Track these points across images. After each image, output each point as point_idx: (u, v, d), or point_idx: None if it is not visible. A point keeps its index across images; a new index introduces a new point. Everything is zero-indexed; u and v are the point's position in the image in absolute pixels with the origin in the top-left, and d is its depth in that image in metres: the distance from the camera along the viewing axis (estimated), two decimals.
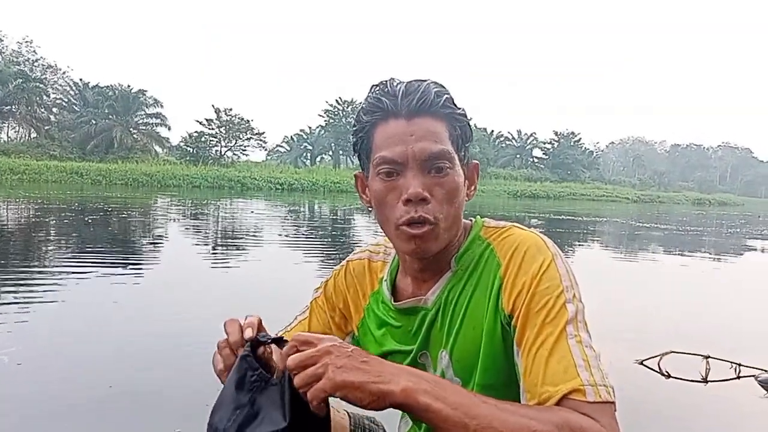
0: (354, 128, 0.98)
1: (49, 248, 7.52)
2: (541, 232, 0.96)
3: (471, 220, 1.04)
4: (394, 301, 1.04)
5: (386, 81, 0.95)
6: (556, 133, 64.10)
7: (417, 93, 0.90)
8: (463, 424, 0.72)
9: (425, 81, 0.93)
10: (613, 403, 0.79)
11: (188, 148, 42.89)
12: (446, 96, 0.93)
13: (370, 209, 0.99)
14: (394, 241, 0.96)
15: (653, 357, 3.37)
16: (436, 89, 0.92)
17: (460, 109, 0.95)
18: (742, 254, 11.72)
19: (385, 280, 1.06)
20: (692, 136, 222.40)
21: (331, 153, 61.67)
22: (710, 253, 11.15)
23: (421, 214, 0.89)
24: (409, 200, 0.89)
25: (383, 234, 1.04)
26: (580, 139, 64.52)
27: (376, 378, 0.73)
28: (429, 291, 0.99)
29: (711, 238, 15.27)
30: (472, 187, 1.01)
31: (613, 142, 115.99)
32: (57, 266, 5.91)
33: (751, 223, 23.51)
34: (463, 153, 0.96)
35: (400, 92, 0.91)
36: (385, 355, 1.03)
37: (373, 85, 0.96)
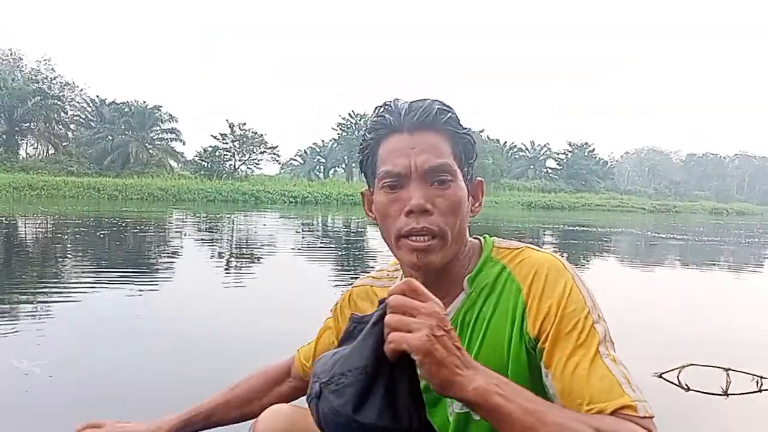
0: (360, 146, 1.01)
1: (70, 262, 7.60)
2: (555, 251, 0.96)
3: (480, 240, 1.04)
4: None
5: (390, 101, 0.98)
6: (569, 144, 63.92)
7: (419, 109, 0.93)
8: (533, 429, 0.74)
9: (429, 100, 0.96)
10: (653, 417, 0.82)
11: (203, 163, 43.33)
12: (450, 114, 0.95)
13: (376, 224, 1.00)
14: (397, 254, 0.97)
15: (672, 370, 3.31)
16: (439, 107, 0.94)
17: (463, 127, 0.97)
18: (761, 264, 11.53)
19: None
20: (708, 145, 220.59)
21: (344, 166, 61.96)
22: (729, 264, 10.98)
23: (424, 225, 0.90)
24: (411, 211, 0.91)
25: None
26: (594, 149, 64.27)
27: (458, 365, 0.74)
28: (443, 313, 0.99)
29: (729, 248, 15.05)
30: (477, 204, 1.01)
31: (627, 152, 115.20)
32: (78, 280, 5.97)
33: None
34: (466, 169, 0.97)
35: (404, 109, 0.94)
36: None
37: (377, 106, 0.98)
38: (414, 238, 0.91)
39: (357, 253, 10.13)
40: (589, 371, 0.84)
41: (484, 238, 1.04)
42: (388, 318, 0.74)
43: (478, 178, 1.03)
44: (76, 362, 3.26)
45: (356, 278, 1.27)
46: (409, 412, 0.76)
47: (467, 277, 0.98)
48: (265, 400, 1.26)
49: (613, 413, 0.80)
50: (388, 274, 1.14)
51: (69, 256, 8.39)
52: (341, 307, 1.19)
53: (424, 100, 0.96)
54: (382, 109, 0.97)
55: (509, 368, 0.92)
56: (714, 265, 10.64)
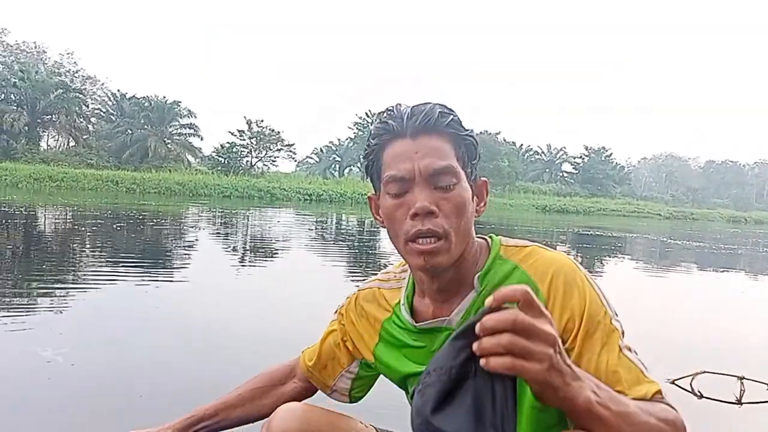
0: (365, 152, 1.03)
1: (91, 254, 7.73)
2: (562, 251, 0.99)
3: (487, 239, 1.06)
4: (415, 322, 1.05)
5: (393, 106, 1.00)
6: (586, 148, 63.32)
7: (422, 113, 0.95)
8: (620, 429, 0.79)
9: (430, 103, 0.98)
10: None
11: (220, 158, 43.64)
12: (452, 117, 0.96)
13: (384, 228, 1.02)
14: (406, 258, 0.99)
15: (686, 376, 3.31)
16: (440, 110, 0.96)
17: (465, 129, 0.99)
18: None
19: (403, 304, 1.08)
20: (728, 152, 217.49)
21: (359, 165, 61.98)
22: (745, 272, 10.86)
23: (429, 227, 0.92)
24: (416, 214, 0.92)
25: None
26: (611, 154, 63.61)
27: (569, 384, 0.74)
28: (453, 311, 1.00)
29: (747, 256, 14.86)
30: (482, 204, 1.03)
31: (645, 158, 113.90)
32: (99, 271, 6.08)
33: None
34: (470, 170, 0.99)
35: (406, 114, 0.96)
36: (405, 378, 1.06)
37: (380, 111, 1.01)
38: (420, 240, 0.93)
39: (369, 252, 10.17)
40: (617, 365, 0.91)
41: (491, 237, 1.06)
42: (506, 338, 0.68)
43: (483, 178, 1.03)
44: (97, 351, 3.34)
45: (366, 277, 1.28)
46: (498, 431, 0.70)
47: (478, 274, 0.99)
48: (267, 400, 1.27)
49: (651, 399, 0.89)
50: (395, 276, 1.14)
51: (89, 247, 8.52)
52: (347, 310, 1.20)
53: (426, 104, 0.97)
54: (384, 115, 0.99)
55: None
56: (730, 273, 10.52)
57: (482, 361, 0.69)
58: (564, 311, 0.93)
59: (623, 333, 0.96)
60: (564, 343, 0.91)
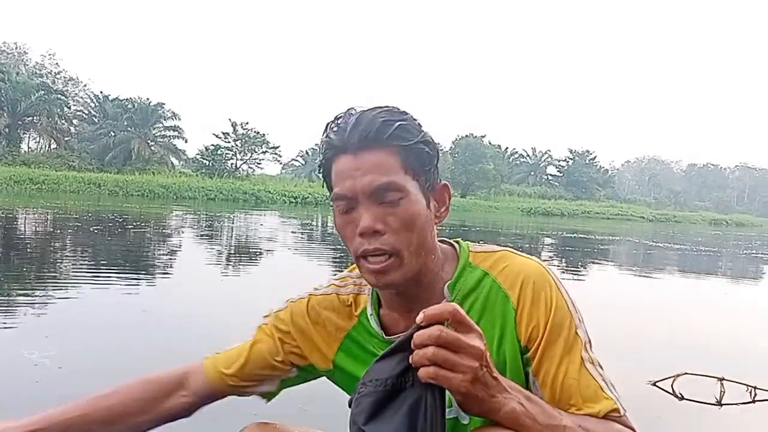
0: (318, 165, 1.00)
1: (75, 257, 7.63)
2: (532, 255, 0.99)
3: (455, 246, 1.03)
4: (385, 335, 1.02)
5: (341, 114, 0.95)
6: (571, 151, 63.91)
7: (361, 126, 0.90)
8: None
9: (375, 111, 0.93)
10: (626, 412, 0.92)
11: (204, 161, 43.36)
12: (398, 124, 0.91)
13: None
14: (361, 273, 0.97)
15: (666, 378, 3.34)
16: (383, 119, 0.91)
17: (414, 134, 0.93)
18: (759, 276, 11.55)
19: (371, 314, 1.04)
20: (709, 155, 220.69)
21: None
22: (726, 275, 11.01)
23: (376, 246, 0.90)
24: (363, 233, 0.91)
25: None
26: (596, 157, 64.27)
27: (493, 396, 0.79)
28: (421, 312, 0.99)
29: (727, 259, 15.07)
30: (443, 209, 0.99)
31: (628, 161, 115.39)
32: (83, 275, 6.00)
33: None
34: (424, 178, 0.94)
35: (349, 127, 0.91)
36: None
37: (330, 121, 0.96)
38: (370, 259, 0.91)
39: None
40: (578, 378, 0.90)
41: (458, 243, 1.03)
42: (430, 351, 0.74)
43: (443, 182, 1.00)
44: (84, 354, 3.33)
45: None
46: None
47: (447, 284, 0.97)
48: (144, 417, 1.07)
49: (605, 417, 0.88)
50: (353, 281, 1.09)
51: (72, 250, 8.41)
52: (292, 315, 1.09)
53: (371, 111, 0.93)
54: (330, 127, 0.95)
55: (506, 373, 0.91)
56: (710, 275, 10.66)
57: (420, 372, 0.74)
58: (531, 319, 0.93)
59: (590, 344, 0.95)
60: (527, 351, 0.94)
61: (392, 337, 1.00)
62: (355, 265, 1.09)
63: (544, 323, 0.92)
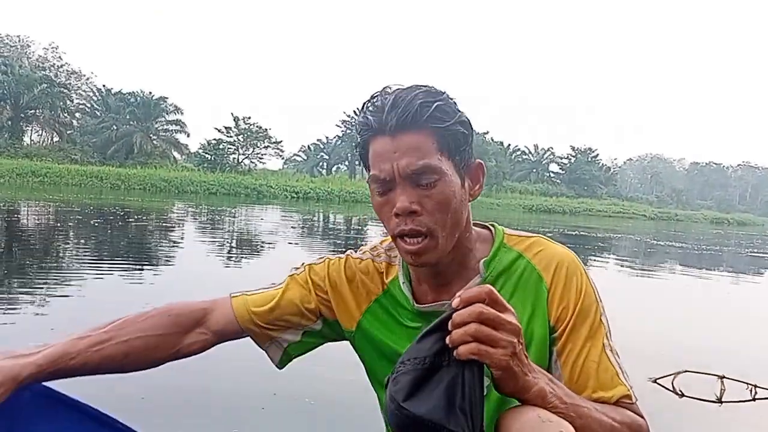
0: (356, 145, 1.03)
1: (77, 252, 7.65)
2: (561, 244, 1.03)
3: (491, 228, 1.08)
4: (416, 304, 1.05)
5: (377, 94, 0.97)
6: (573, 149, 63.82)
7: (400, 108, 0.91)
8: (572, 420, 0.83)
9: (414, 91, 0.93)
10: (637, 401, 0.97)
11: (206, 155, 43.38)
12: (435, 105, 0.92)
13: None
14: (399, 252, 1.01)
15: (667, 375, 3.34)
16: (421, 100, 0.91)
17: (451, 115, 0.94)
18: (760, 275, 11.55)
19: (404, 283, 1.07)
20: (711, 154, 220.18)
21: (347, 163, 61.97)
22: (727, 273, 11.00)
23: (412, 227, 0.93)
24: (399, 214, 0.93)
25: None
26: (598, 155, 64.19)
27: (526, 373, 0.82)
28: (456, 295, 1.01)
29: (728, 257, 15.07)
30: (477, 186, 1.01)
31: (630, 159, 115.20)
32: (87, 269, 6.01)
33: None
34: (458, 158, 0.96)
35: (386, 108, 0.92)
36: (394, 354, 1.04)
37: (366, 101, 0.98)
38: (407, 239, 0.94)
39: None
40: (598, 362, 0.95)
41: (493, 225, 1.08)
42: (473, 327, 0.76)
43: (477, 161, 1.01)
44: None
45: None
46: (466, 416, 0.76)
47: (483, 260, 1.01)
48: (159, 350, 1.05)
49: (617, 402, 0.93)
50: (385, 253, 1.13)
51: (76, 243, 8.43)
52: (328, 269, 1.12)
53: (409, 92, 0.93)
54: (368, 107, 0.97)
55: (531, 349, 0.96)
56: (712, 274, 10.66)
57: (455, 352, 0.77)
58: (562, 301, 0.98)
59: (610, 333, 0.99)
60: (554, 331, 0.98)
61: (421, 306, 1.04)
62: (384, 239, 1.15)
63: (573, 306, 0.97)
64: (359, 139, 0.99)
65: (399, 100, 0.92)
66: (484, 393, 0.80)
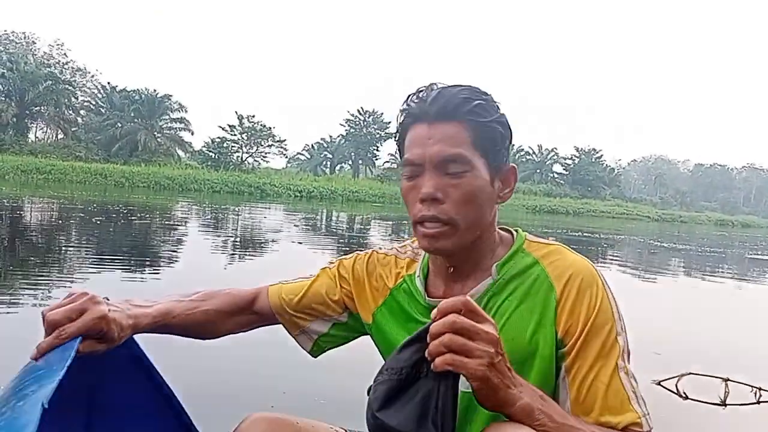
0: (395, 132, 1.05)
1: (81, 249, 7.66)
2: (584, 256, 0.99)
3: (513, 232, 1.06)
4: (427, 297, 1.06)
5: (425, 87, 0.99)
6: (577, 149, 63.71)
7: (442, 99, 0.94)
8: None
9: (458, 87, 0.97)
10: (652, 429, 0.91)
11: (210, 153, 43.49)
12: (476, 102, 0.95)
13: None
14: (416, 238, 1.01)
15: (671, 378, 3.33)
16: (464, 96, 0.95)
17: (491, 115, 0.96)
18: (764, 277, 11.51)
19: (418, 275, 1.08)
20: (716, 156, 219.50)
21: (350, 162, 62.00)
22: (731, 275, 10.96)
23: (433, 213, 0.94)
24: (423, 199, 0.94)
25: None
26: (602, 155, 64.04)
27: (508, 386, 0.79)
28: (466, 293, 0.99)
29: (732, 259, 15.01)
30: (507, 190, 1.02)
31: (635, 160, 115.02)
32: (91, 266, 6.02)
33: None
34: (492, 157, 0.97)
35: (430, 99, 0.96)
36: None
37: (411, 93, 1.01)
38: (426, 224, 0.95)
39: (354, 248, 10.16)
40: (607, 384, 0.90)
41: (517, 231, 1.07)
42: (446, 338, 0.75)
43: (512, 165, 1.02)
44: None
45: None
46: (437, 428, 0.76)
47: (496, 263, 1.00)
48: (225, 324, 1.19)
49: (624, 429, 0.88)
50: (412, 249, 1.15)
51: (80, 240, 8.45)
52: (354, 263, 1.18)
53: (454, 87, 0.97)
54: (412, 96, 1.00)
55: (535, 361, 0.95)
56: (716, 275, 10.62)
57: (432, 364, 0.76)
58: (572, 315, 0.94)
59: (628, 354, 0.94)
60: (563, 345, 0.94)
61: (431, 300, 1.04)
62: (414, 238, 1.14)
63: (584, 321, 0.92)
64: (399, 126, 1.01)
65: (443, 92, 0.96)
66: (458, 405, 0.79)
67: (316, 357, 1.23)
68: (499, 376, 0.78)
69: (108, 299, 0.99)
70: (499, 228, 1.05)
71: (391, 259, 1.15)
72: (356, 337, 1.21)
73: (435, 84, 0.99)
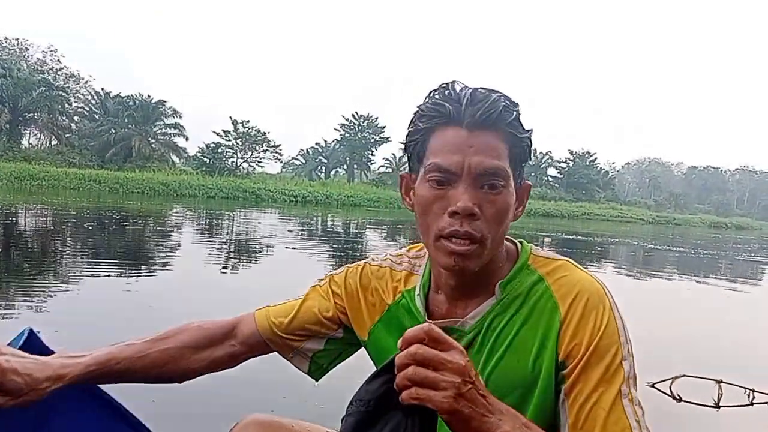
0: (409, 129, 0.94)
1: (76, 252, 7.63)
2: (592, 273, 0.94)
3: (517, 244, 1.01)
4: (428, 317, 1.00)
5: (449, 84, 0.91)
6: (571, 152, 63.88)
7: (485, 104, 0.87)
8: None
9: (495, 92, 0.89)
10: None
11: (205, 159, 43.37)
12: (515, 114, 0.89)
13: (412, 211, 0.96)
14: (433, 253, 0.92)
15: (665, 380, 3.35)
16: (504, 104, 0.88)
17: (525, 128, 0.92)
18: (757, 279, 11.56)
19: (419, 294, 1.02)
20: (710, 158, 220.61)
21: (345, 167, 61.99)
22: (725, 278, 11.01)
23: (468, 230, 0.86)
24: (456, 213, 0.86)
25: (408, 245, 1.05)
26: (596, 158, 64.25)
27: (483, 415, 0.74)
28: (468, 314, 0.96)
29: (726, 262, 15.08)
30: (520, 208, 0.97)
31: (629, 163, 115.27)
32: (87, 270, 6.00)
33: None
34: (518, 173, 0.92)
35: (465, 100, 0.87)
36: None
37: (434, 89, 0.92)
38: (455, 240, 0.87)
39: (351, 254, 10.16)
40: (608, 412, 0.84)
41: (521, 243, 1.01)
42: (410, 370, 0.72)
43: (527, 182, 0.98)
44: (92, 349, 3.36)
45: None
46: None
47: (500, 282, 0.94)
48: (196, 364, 1.09)
49: None
50: (409, 260, 1.07)
51: (75, 247, 8.41)
52: (346, 277, 1.10)
53: (490, 92, 0.89)
54: (439, 94, 0.90)
55: (538, 384, 0.90)
56: (710, 278, 10.66)
57: (402, 394, 0.73)
58: (575, 336, 0.88)
59: (634, 380, 0.88)
60: (563, 368, 0.88)
61: (433, 321, 0.96)
62: (411, 246, 1.09)
63: (587, 343, 0.87)
64: (422, 124, 0.90)
65: (480, 96, 0.88)
66: None
67: (317, 380, 1.15)
68: (471, 406, 0.72)
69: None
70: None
71: (386, 272, 1.08)
72: (353, 352, 1.15)
73: (459, 82, 0.91)
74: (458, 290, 0.96)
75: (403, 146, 0.97)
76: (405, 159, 0.99)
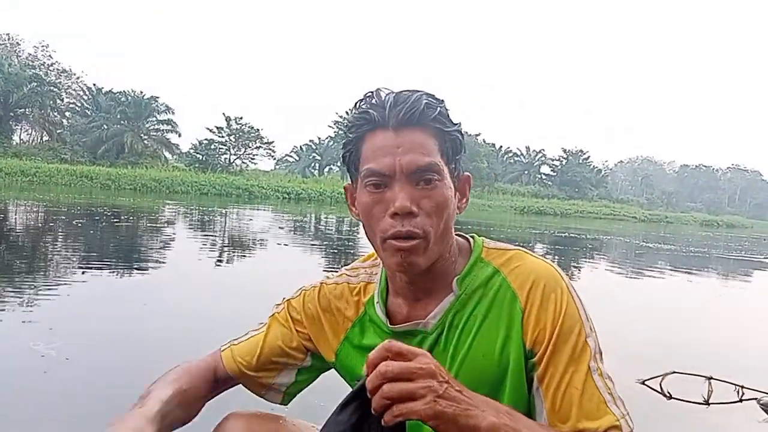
0: (344, 141, 0.96)
1: (71, 250, 7.59)
2: (546, 257, 0.96)
3: (470, 240, 1.01)
4: (390, 323, 1.00)
5: (374, 91, 0.93)
6: (564, 151, 64.05)
7: (406, 104, 0.88)
8: None
9: (416, 92, 0.91)
10: (632, 429, 0.88)
11: (197, 155, 43.16)
12: (438, 108, 0.91)
13: (359, 221, 0.96)
14: (381, 255, 0.94)
15: (655, 377, 3.35)
16: (426, 101, 0.90)
17: (452, 122, 0.93)
18: (747, 277, 11.64)
19: (377, 303, 1.02)
20: (701, 157, 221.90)
21: (339, 164, 61.83)
22: (715, 275, 11.08)
23: (409, 229, 0.87)
24: (396, 213, 0.88)
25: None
26: (589, 157, 64.47)
27: (467, 409, 0.74)
28: (429, 314, 0.96)
29: (717, 259, 15.17)
30: (464, 200, 0.98)
31: (621, 161, 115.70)
32: (85, 268, 5.96)
33: (759, 246, 23.32)
34: (453, 165, 0.94)
35: (389, 103, 0.89)
36: None
37: (360, 98, 0.94)
38: (399, 239, 0.88)
39: (344, 251, 10.15)
40: (582, 390, 0.86)
41: (473, 237, 1.01)
42: (385, 388, 0.71)
43: (466, 174, 0.98)
44: (87, 345, 3.38)
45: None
46: None
47: (456, 278, 0.95)
48: (201, 400, 1.07)
49: None
50: (365, 271, 1.07)
51: (68, 244, 8.36)
52: (304, 302, 1.09)
53: (412, 92, 0.90)
54: (365, 102, 0.92)
55: (508, 375, 0.91)
56: (700, 275, 10.72)
57: (382, 421, 0.72)
58: (538, 323, 0.90)
59: (600, 354, 0.91)
60: (532, 356, 0.90)
61: (395, 327, 0.98)
62: (367, 256, 1.09)
63: (551, 328, 0.89)
64: (352, 134, 0.93)
65: (403, 97, 0.90)
66: None
67: (287, 405, 1.14)
68: (452, 405, 0.73)
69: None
70: (456, 234, 0.99)
71: (344, 288, 1.07)
72: (323, 373, 1.14)
73: (384, 89, 0.93)
74: (416, 291, 0.97)
75: (341, 160, 0.99)
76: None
